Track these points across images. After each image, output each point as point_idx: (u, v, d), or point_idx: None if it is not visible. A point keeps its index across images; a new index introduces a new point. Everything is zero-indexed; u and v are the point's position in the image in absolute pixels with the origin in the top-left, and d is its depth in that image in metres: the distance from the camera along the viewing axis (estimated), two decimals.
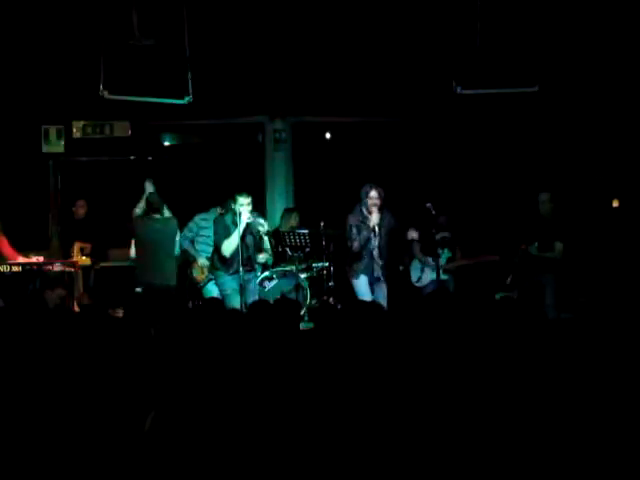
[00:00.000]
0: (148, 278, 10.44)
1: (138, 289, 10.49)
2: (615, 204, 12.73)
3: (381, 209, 9.84)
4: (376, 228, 9.84)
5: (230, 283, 9.80)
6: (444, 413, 3.72)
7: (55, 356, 4.66)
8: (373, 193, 9.81)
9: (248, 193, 9.75)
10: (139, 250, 10.61)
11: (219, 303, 7.05)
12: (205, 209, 11.14)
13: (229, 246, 9.69)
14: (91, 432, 3.70)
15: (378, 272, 9.96)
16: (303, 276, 11.42)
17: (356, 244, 9.84)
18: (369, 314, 5.52)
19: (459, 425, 3.63)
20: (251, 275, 9.97)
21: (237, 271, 9.64)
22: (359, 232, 9.87)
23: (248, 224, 9.69)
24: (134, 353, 4.75)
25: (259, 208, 11.87)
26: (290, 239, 11.08)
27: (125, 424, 3.75)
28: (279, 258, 11.38)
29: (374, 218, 9.80)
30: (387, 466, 3.43)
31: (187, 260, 11.23)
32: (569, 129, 12.76)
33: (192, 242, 11.07)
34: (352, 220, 9.87)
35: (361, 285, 9.92)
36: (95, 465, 3.52)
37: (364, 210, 9.86)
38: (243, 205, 9.63)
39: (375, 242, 9.89)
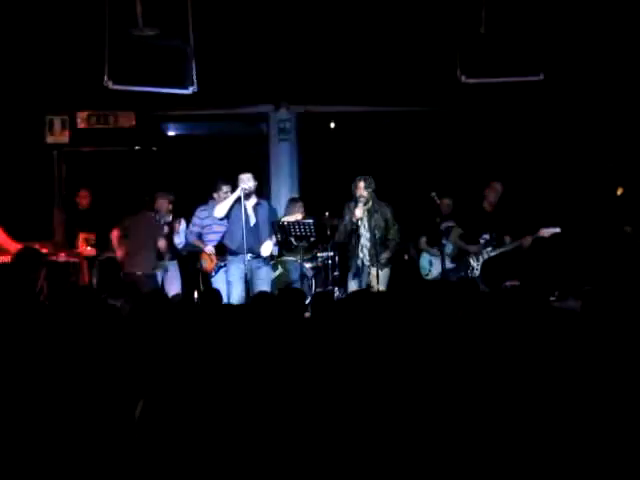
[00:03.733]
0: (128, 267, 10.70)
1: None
2: (619, 192, 12.65)
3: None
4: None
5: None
6: (445, 403, 3.70)
7: (44, 345, 4.64)
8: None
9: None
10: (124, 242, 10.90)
11: (217, 294, 7.02)
12: (205, 199, 11.11)
13: None
14: (81, 420, 3.68)
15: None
16: (308, 266, 11.38)
17: None
18: (362, 303, 5.51)
19: (460, 414, 3.61)
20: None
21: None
22: None
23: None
24: (126, 342, 4.73)
25: (264, 198, 11.85)
26: (295, 229, 11.03)
27: (115, 412, 3.73)
28: (283, 248, 11.33)
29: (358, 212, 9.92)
30: (390, 460, 3.40)
31: (195, 252, 11.20)
32: (575, 117, 12.68)
33: (200, 236, 11.03)
34: None
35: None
36: (86, 453, 3.50)
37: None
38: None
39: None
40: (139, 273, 10.47)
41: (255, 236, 9.88)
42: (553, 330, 4.63)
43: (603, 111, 12.43)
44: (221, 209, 9.96)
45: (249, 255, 9.80)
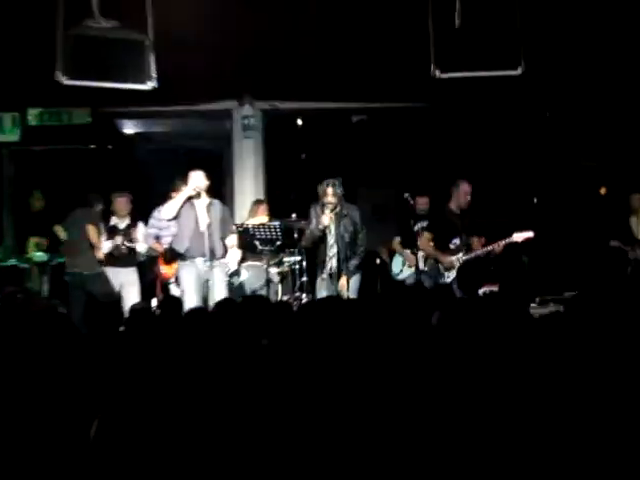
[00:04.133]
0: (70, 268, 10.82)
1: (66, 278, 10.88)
2: (603, 191, 12.72)
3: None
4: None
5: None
6: (419, 414, 3.70)
7: None
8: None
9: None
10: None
11: (178, 302, 7.00)
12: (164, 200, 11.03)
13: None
14: (35, 439, 3.66)
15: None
16: (274, 271, 11.37)
17: None
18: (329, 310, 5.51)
19: (436, 426, 3.62)
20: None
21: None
22: None
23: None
24: (79, 356, 4.70)
25: (228, 199, 11.81)
26: (260, 232, 11.00)
27: (70, 431, 3.70)
28: (248, 252, 11.28)
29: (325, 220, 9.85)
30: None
31: (154, 257, 11.15)
32: (555, 114, 12.75)
33: (158, 239, 11.00)
34: None
35: None
36: (39, 472, 3.49)
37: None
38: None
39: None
40: (84, 273, 10.47)
41: (208, 238, 9.64)
42: (535, 338, 4.64)
43: (585, 107, 12.50)
44: (169, 209, 9.73)
45: (201, 259, 9.61)
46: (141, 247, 11.09)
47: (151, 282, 11.26)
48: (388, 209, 12.50)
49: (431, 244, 10.46)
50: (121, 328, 6.27)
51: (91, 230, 10.60)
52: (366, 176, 13.14)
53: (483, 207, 10.79)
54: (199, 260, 9.57)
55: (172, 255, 10.16)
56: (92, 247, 10.66)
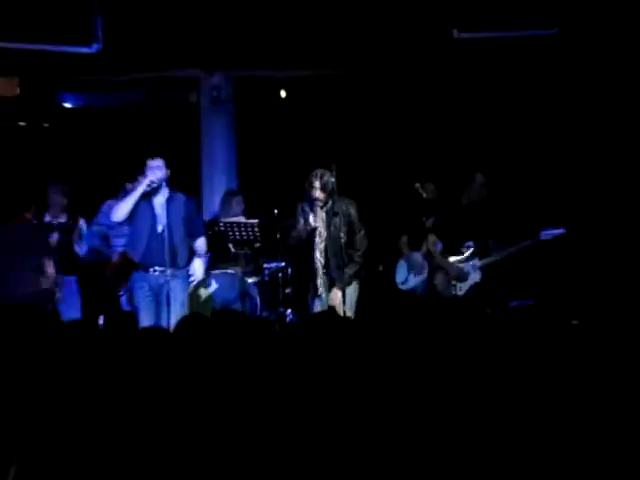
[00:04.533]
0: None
1: None
2: None
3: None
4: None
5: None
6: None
7: None
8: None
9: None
10: None
11: (130, 319, 6.91)
12: (114, 192, 10.94)
13: None
14: None
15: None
16: (251, 280, 11.30)
17: None
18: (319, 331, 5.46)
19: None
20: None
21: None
22: None
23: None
24: None
25: (194, 191, 11.72)
26: (235, 232, 10.96)
27: None
28: (219, 256, 11.21)
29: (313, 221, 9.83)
30: None
31: (100, 262, 11.06)
32: (597, 86, 12.65)
33: (106, 239, 10.92)
34: None
35: None
36: None
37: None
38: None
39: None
40: (18, 296, 10.36)
41: (168, 242, 9.55)
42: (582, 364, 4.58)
43: (635, 79, 12.40)
44: (121, 209, 9.64)
45: (159, 268, 9.55)
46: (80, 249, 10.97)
47: (97, 294, 11.16)
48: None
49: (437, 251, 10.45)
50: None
51: (51, 271, 10.46)
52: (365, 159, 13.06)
53: (503, 200, 10.73)
54: (157, 270, 9.48)
55: (126, 267, 10.04)
56: (32, 265, 10.52)
